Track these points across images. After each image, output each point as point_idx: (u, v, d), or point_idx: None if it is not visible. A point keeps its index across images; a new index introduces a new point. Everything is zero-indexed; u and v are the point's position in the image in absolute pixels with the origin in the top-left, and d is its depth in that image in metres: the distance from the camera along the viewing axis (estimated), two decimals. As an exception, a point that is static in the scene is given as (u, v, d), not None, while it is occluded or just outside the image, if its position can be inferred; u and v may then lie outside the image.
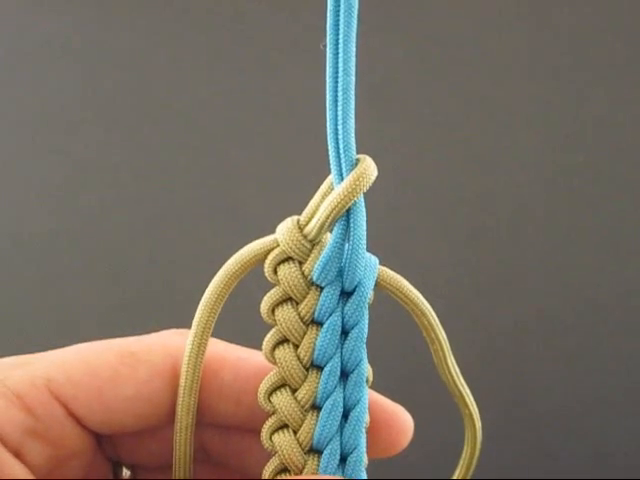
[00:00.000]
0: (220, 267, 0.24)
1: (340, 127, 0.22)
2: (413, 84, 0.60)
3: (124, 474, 0.26)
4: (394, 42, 0.59)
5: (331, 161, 0.22)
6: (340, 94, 0.22)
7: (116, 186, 0.60)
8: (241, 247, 0.24)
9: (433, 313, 0.24)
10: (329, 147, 0.22)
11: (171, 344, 0.24)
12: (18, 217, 0.60)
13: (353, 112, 0.22)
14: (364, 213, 0.23)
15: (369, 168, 0.22)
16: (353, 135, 0.22)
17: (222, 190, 0.60)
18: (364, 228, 0.23)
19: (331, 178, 0.23)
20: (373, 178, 0.22)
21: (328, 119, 0.22)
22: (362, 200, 0.22)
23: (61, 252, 0.59)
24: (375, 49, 0.58)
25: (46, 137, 0.60)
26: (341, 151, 0.22)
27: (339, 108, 0.22)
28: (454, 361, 0.25)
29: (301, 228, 0.23)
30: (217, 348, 0.25)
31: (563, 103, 0.60)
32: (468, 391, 0.26)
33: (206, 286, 0.24)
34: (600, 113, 0.55)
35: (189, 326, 0.24)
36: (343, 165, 0.22)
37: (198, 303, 0.24)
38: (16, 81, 0.61)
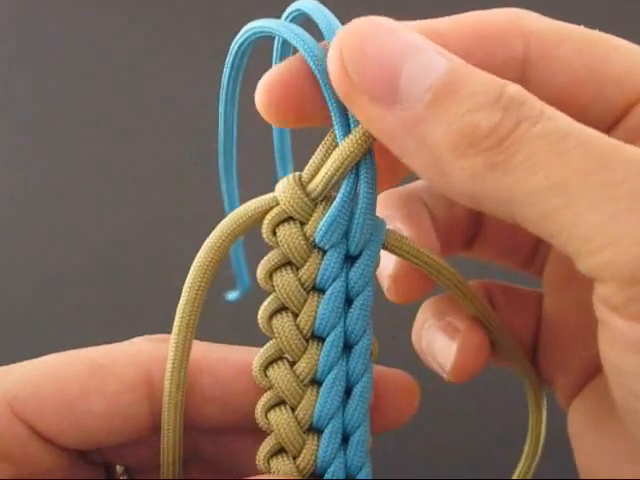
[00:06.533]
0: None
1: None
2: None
3: (117, 469, 0.24)
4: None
5: (334, 121, 0.20)
6: None
7: (117, 187, 0.58)
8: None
9: (450, 268, 0.22)
10: (330, 108, 0.20)
11: (142, 353, 0.22)
12: (18, 217, 0.58)
13: None
14: (375, 168, 0.21)
15: None
16: None
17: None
18: (375, 185, 0.21)
19: (333, 134, 0.21)
20: None
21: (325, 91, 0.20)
22: (372, 155, 0.21)
23: (62, 254, 0.57)
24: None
25: (46, 137, 0.58)
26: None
27: None
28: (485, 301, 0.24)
29: (303, 185, 0.21)
30: (194, 352, 0.22)
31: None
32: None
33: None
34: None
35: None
36: (351, 118, 0.20)
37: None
38: (16, 81, 0.59)
